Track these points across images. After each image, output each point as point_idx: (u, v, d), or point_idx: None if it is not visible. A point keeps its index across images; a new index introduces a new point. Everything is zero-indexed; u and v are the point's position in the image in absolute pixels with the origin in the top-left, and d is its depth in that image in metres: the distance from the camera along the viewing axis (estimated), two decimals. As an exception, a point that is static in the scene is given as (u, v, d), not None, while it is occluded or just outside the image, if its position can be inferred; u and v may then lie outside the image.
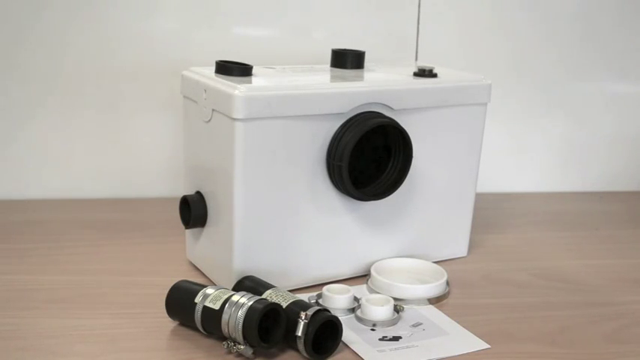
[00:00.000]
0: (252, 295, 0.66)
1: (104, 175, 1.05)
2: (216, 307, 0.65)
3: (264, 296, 0.68)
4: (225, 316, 0.64)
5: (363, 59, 0.85)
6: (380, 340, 0.69)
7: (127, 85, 1.03)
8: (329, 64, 0.86)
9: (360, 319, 0.72)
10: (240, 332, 0.63)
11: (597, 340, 0.71)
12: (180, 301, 0.69)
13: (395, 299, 0.74)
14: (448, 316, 0.74)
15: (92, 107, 1.03)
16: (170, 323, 0.70)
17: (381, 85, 0.78)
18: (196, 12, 1.02)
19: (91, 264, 0.83)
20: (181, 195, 0.80)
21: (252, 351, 0.64)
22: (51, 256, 0.85)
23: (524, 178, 1.17)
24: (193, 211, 0.78)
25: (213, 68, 0.77)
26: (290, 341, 0.65)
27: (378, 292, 0.77)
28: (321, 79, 0.79)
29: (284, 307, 0.66)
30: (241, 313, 0.63)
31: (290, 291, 0.73)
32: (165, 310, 0.70)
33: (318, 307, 0.66)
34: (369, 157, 0.79)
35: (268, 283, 0.71)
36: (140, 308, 0.73)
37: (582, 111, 1.16)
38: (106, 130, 1.04)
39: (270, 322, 0.65)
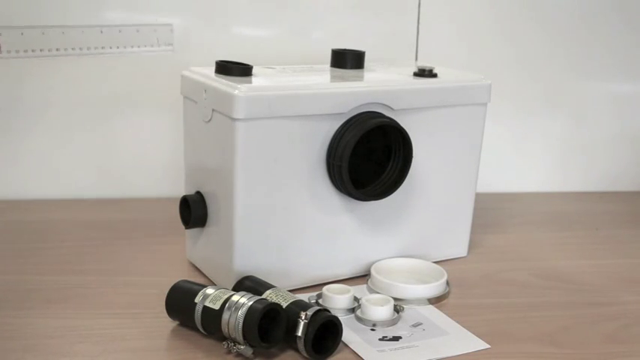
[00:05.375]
0: (252, 295, 0.66)
1: (104, 175, 1.05)
2: (216, 307, 0.65)
3: (264, 296, 0.68)
4: (225, 316, 0.64)
5: (363, 59, 0.85)
6: (380, 340, 0.69)
7: (127, 85, 1.03)
8: (329, 64, 0.86)
9: (360, 319, 0.72)
10: (240, 332, 0.63)
11: (597, 340, 0.71)
12: (180, 301, 0.69)
13: (395, 299, 0.74)
14: (448, 316, 0.74)
15: (92, 107, 1.03)
16: (170, 323, 0.70)
17: (381, 85, 0.78)
18: (196, 12, 1.02)
19: (91, 264, 0.83)
20: (181, 195, 0.80)
21: (252, 351, 0.64)
22: (51, 256, 0.85)
23: (524, 178, 1.17)
24: (193, 211, 0.78)
25: (213, 68, 0.77)
26: (290, 341, 0.65)
27: (378, 292, 0.77)
28: (321, 79, 0.79)
29: (284, 307, 0.66)
30: (241, 313, 0.63)
31: (290, 291, 0.73)
32: (165, 310, 0.70)
33: (318, 307, 0.66)
34: (369, 157, 0.79)
35: (268, 283, 0.71)
36: (140, 308, 0.73)
37: (583, 111, 1.16)
38: (106, 130, 1.04)
39: (270, 322, 0.65)
